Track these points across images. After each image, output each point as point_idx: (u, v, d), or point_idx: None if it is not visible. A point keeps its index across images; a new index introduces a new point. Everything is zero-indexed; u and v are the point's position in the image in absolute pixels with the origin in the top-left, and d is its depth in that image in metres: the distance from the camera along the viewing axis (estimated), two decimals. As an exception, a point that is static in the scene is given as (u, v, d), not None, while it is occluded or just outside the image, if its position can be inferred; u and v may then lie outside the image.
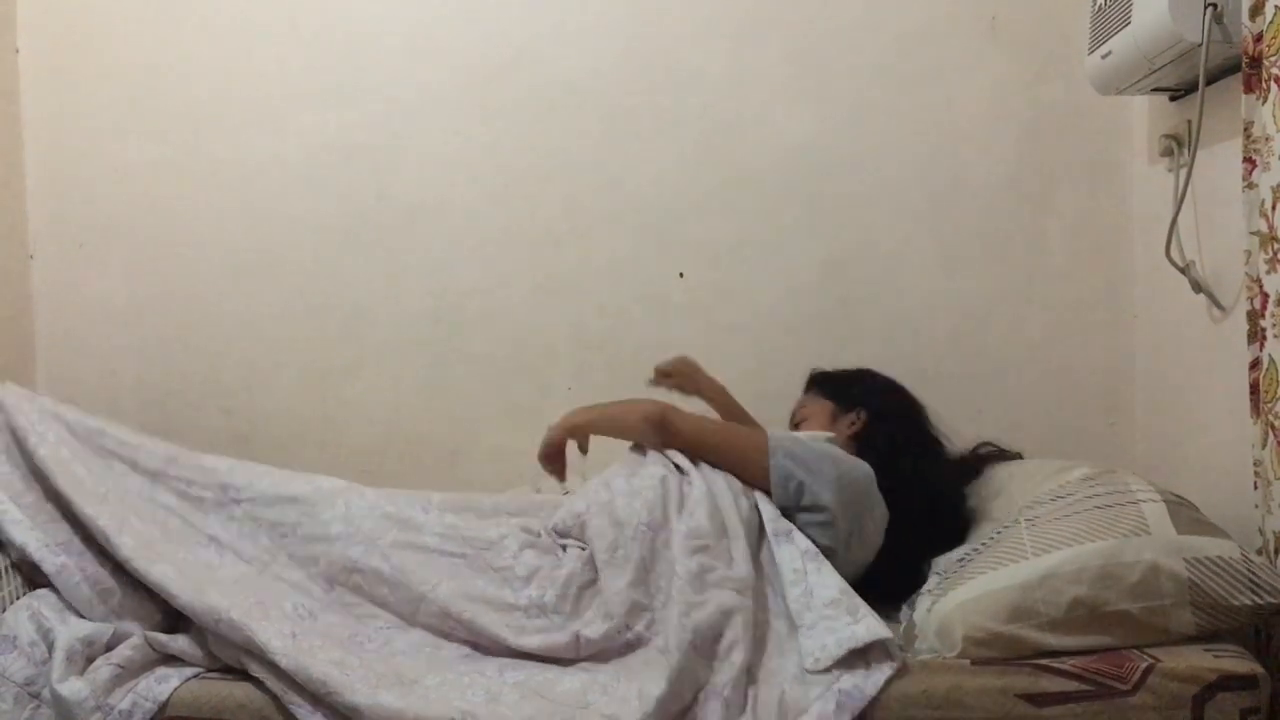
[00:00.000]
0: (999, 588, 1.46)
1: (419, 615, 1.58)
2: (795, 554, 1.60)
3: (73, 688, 1.41)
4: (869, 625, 1.44)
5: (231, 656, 1.49)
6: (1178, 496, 1.59)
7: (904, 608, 1.68)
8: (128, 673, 1.46)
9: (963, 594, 1.49)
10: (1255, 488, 1.54)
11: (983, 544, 1.65)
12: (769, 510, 1.69)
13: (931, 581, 1.66)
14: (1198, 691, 1.33)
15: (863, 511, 1.72)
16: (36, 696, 1.46)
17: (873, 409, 1.98)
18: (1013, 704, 1.36)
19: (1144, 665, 1.36)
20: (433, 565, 1.61)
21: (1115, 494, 1.58)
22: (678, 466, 1.73)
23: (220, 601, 1.50)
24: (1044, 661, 1.39)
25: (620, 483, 1.69)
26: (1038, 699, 1.36)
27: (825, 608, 1.50)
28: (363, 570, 1.62)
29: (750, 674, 1.44)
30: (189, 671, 1.49)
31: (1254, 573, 1.41)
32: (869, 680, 1.38)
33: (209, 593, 1.53)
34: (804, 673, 1.42)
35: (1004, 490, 1.83)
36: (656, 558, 1.58)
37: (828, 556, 1.62)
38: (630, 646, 1.51)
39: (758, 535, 1.66)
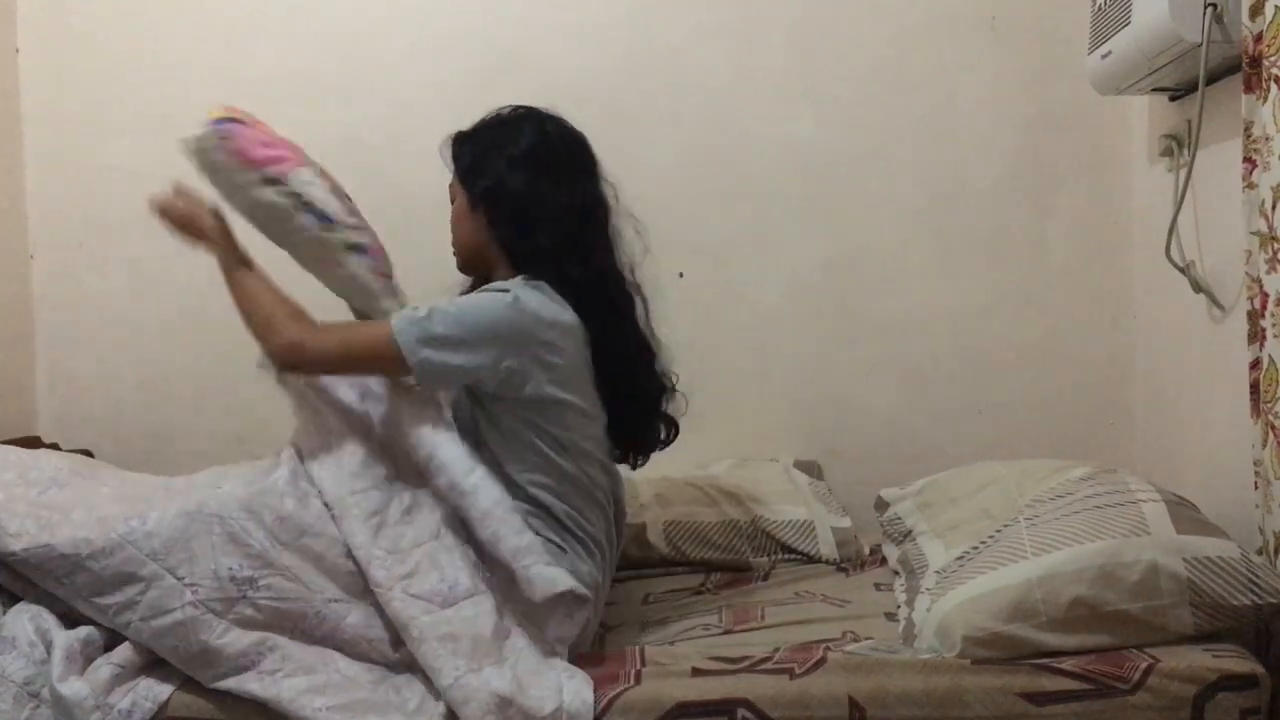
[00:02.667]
0: (999, 587, 1.46)
1: None
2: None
3: (73, 687, 1.41)
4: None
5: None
6: (1178, 496, 1.59)
7: (903, 606, 1.68)
8: (128, 672, 1.46)
9: (962, 593, 1.49)
10: (1255, 488, 1.54)
11: (982, 543, 1.66)
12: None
13: (931, 580, 1.66)
14: (1198, 691, 1.33)
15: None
16: (35, 696, 1.45)
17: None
18: (1013, 703, 1.36)
19: (1144, 665, 1.36)
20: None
21: (1115, 494, 1.58)
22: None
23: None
24: (1044, 661, 1.39)
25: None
26: (1038, 698, 1.36)
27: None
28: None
29: None
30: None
31: (1253, 573, 1.41)
32: None
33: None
34: None
35: (1000, 486, 1.82)
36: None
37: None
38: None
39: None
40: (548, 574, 1.49)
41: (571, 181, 1.68)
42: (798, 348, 2.45)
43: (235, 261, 1.65)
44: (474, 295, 1.60)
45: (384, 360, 1.54)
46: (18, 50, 2.52)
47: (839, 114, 2.41)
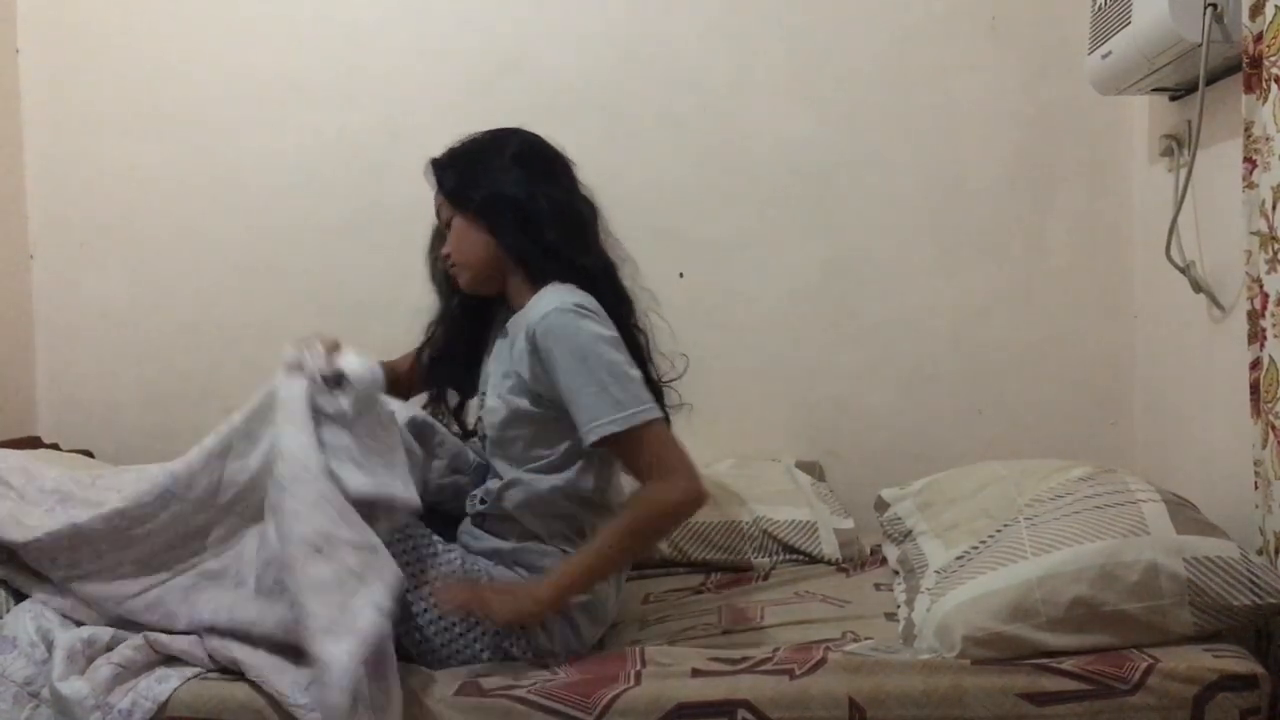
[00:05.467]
0: (999, 587, 1.46)
1: None
2: None
3: (73, 687, 1.41)
4: None
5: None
6: (1177, 496, 1.59)
7: (902, 606, 1.68)
8: (128, 672, 1.46)
9: (962, 594, 1.49)
10: (1255, 488, 1.54)
11: (982, 542, 1.66)
12: None
13: (930, 580, 1.66)
14: (1198, 691, 1.33)
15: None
16: (36, 696, 1.46)
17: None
18: (1013, 703, 1.36)
19: (1144, 665, 1.36)
20: None
21: (1115, 494, 1.58)
22: None
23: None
24: (1044, 661, 1.39)
25: None
26: (1038, 698, 1.36)
27: None
28: None
29: None
30: (189, 671, 1.48)
31: (1253, 573, 1.41)
32: None
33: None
34: None
35: (1000, 486, 1.82)
36: None
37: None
38: None
39: None
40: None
41: (563, 178, 1.68)
42: (798, 348, 2.45)
43: (573, 581, 1.54)
44: (582, 345, 1.52)
45: (660, 438, 1.53)
46: (18, 50, 2.52)
47: (839, 114, 2.41)
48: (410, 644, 1.55)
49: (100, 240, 2.56)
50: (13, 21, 2.51)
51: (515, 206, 1.62)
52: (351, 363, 1.56)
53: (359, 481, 1.48)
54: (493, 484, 1.64)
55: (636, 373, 1.55)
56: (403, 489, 1.52)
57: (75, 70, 2.53)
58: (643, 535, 1.57)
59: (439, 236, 1.78)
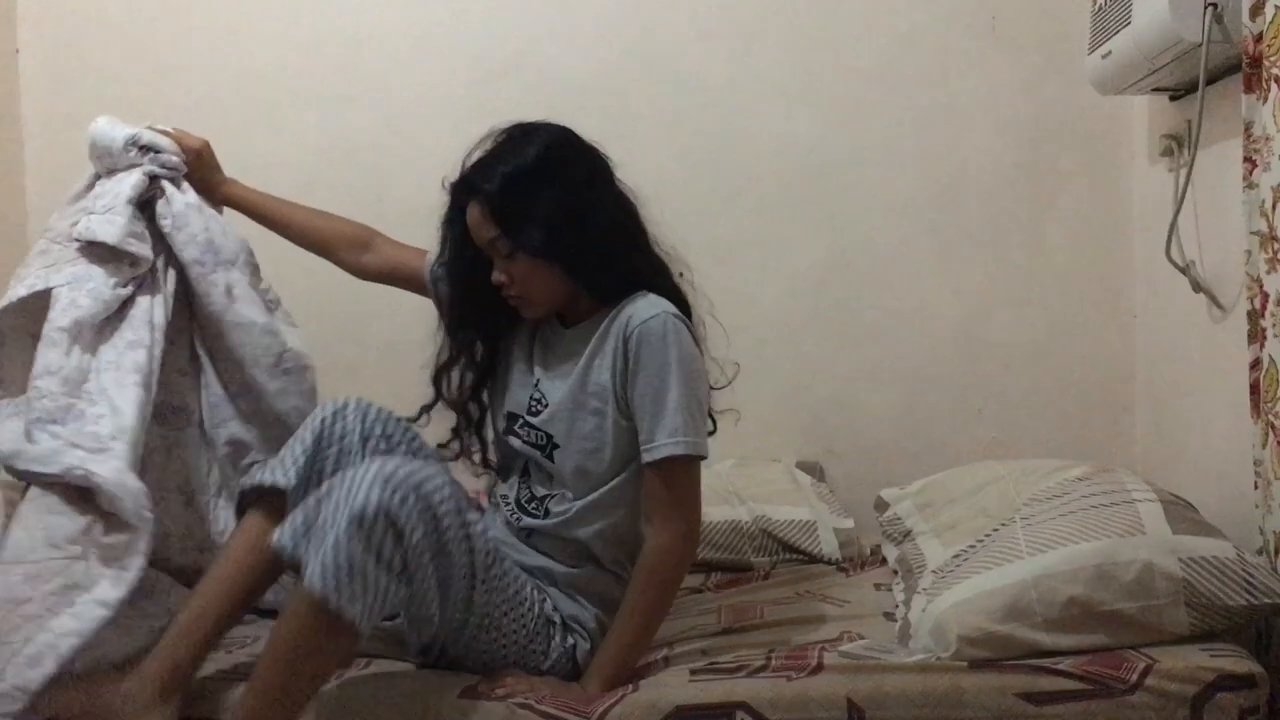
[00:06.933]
0: (994, 587, 1.46)
1: None
2: None
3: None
4: None
5: None
6: (1175, 496, 1.59)
7: (900, 606, 1.68)
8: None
9: (957, 594, 1.49)
10: (1255, 488, 1.54)
11: (979, 541, 1.66)
12: None
13: (927, 580, 1.66)
14: (1196, 691, 1.33)
15: None
16: None
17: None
18: (1011, 703, 1.36)
19: (1142, 665, 1.36)
20: None
21: (1111, 493, 1.58)
22: None
23: None
24: (1042, 661, 1.39)
25: None
26: (1036, 698, 1.36)
27: None
28: None
29: None
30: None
31: (1249, 573, 1.41)
32: None
33: None
34: None
35: (998, 486, 1.82)
36: None
37: None
38: None
39: None
40: None
41: (607, 178, 1.60)
42: (798, 348, 2.45)
43: (617, 665, 1.47)
44: (684, 355, 1.49)
45: (698, 475, 1.51)
46: (18, 50, 2.52)
47: (839, 114, 2.41)
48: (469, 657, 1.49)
49: (100, 240, 2.56)
50: (13, 21, 2.51)
51: (582, 236, 1.51)
52: None
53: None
54: (558, 504, 1.55)
55: (709, 403, 1.54)
56: None
57: (75, 70, 2.53)
58: (672, 587, 1.52)
59: (460, 249, 1.62)
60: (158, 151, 1.74)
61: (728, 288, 2.44)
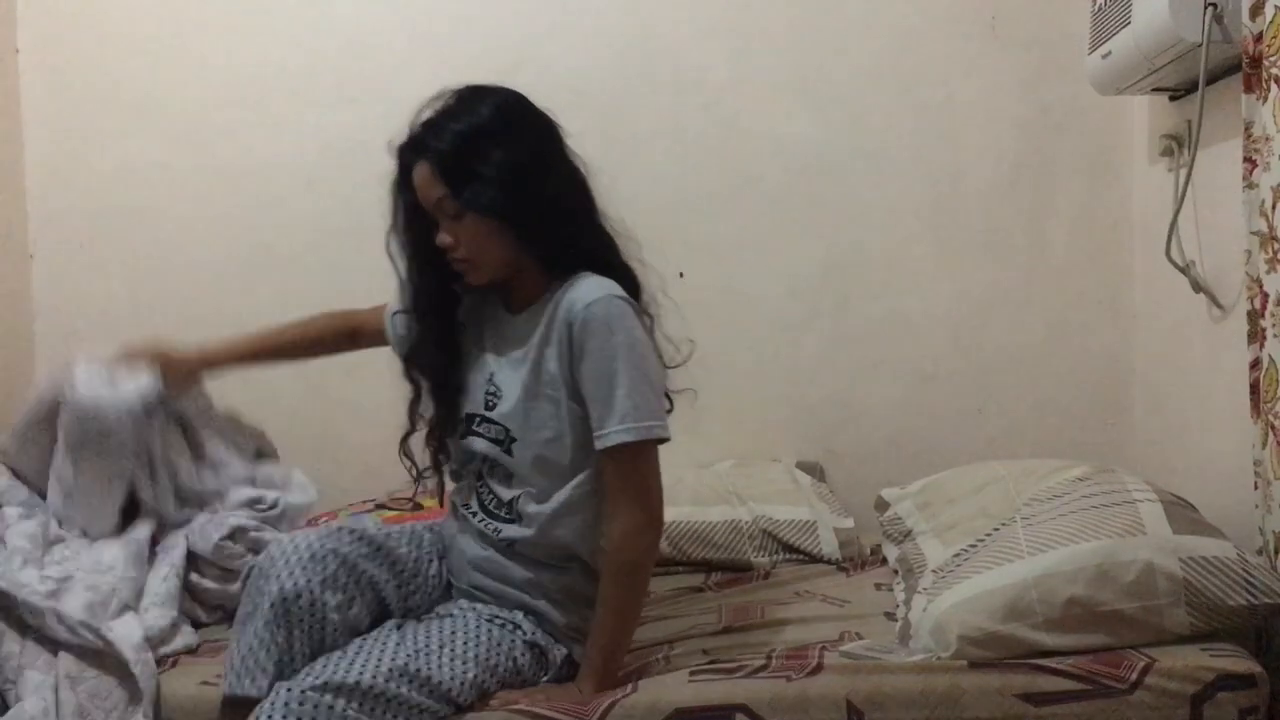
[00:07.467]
0: (994, 587, 1.46)
1: None
2: None
3: None
4: None
5: None
6: (1175, 496, 1.59)
7: (901, 606, 1.68)
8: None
9: (958, 594, 1.49)
10: (1255, 488, 1.54)
11: (979, 541, 1.66)
12: None
13: (927, 580, 1.66)
14: (1196, 691, 1.33)
15: None
16: None
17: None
18: (1011, 703, 1.36)
19: (1142, 665, 1.36)
20: None
21: (1112, 494, 1.58)
22: None
23: None
24: (1042, 661, 1.39)
25: None
26: (1036, 698, 1.36)
27: None
28: None
29: None
30: None
31: (1249, 573, 1.41)
32: None
33: None
34: None
35: (999, 486, 1.82)
36: None
37: None
38: None
39: None
40: None
41: (559, 144, 1.54)
42: (798, 348, 2.45)
43: (612, 665, 1.46)
44: (631, 339, 1.45)
45: (655, 459, 1.48)
46: (18, 50, 2.52)
47: (839, 114, 2.41)
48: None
49: (100, 240, 2.56)
50: (13, 21, 2.51)
51: (532, 197, 1.46)
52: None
53: None
54: (526, 503, 1.51)
55: (664, 383, 1.49)
56: None
57: (75, 70, 2.53)
58: (640, 575, 1.49)
59: (411, 216, 1.55)
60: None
61: (728, 288, 2.46)
